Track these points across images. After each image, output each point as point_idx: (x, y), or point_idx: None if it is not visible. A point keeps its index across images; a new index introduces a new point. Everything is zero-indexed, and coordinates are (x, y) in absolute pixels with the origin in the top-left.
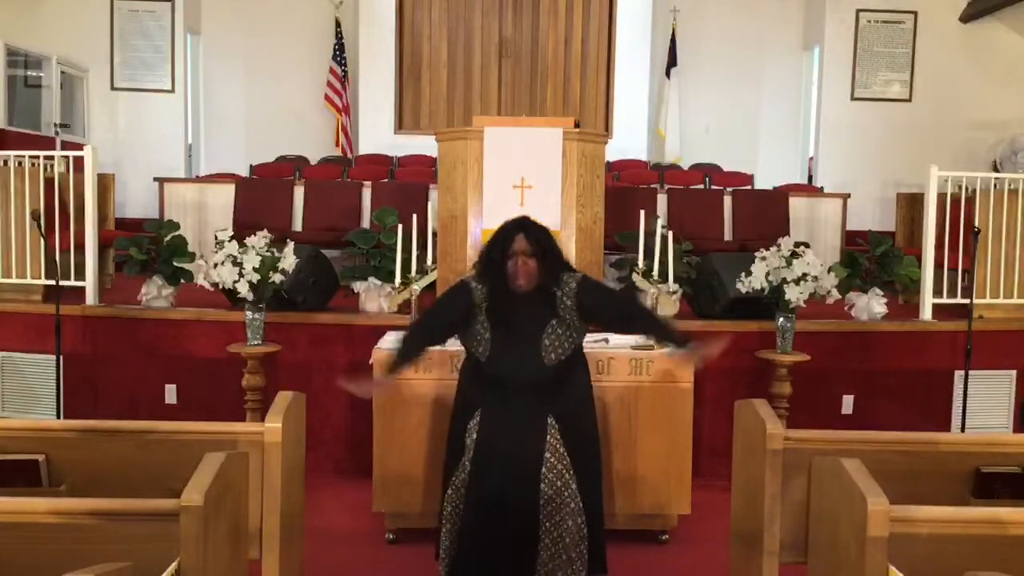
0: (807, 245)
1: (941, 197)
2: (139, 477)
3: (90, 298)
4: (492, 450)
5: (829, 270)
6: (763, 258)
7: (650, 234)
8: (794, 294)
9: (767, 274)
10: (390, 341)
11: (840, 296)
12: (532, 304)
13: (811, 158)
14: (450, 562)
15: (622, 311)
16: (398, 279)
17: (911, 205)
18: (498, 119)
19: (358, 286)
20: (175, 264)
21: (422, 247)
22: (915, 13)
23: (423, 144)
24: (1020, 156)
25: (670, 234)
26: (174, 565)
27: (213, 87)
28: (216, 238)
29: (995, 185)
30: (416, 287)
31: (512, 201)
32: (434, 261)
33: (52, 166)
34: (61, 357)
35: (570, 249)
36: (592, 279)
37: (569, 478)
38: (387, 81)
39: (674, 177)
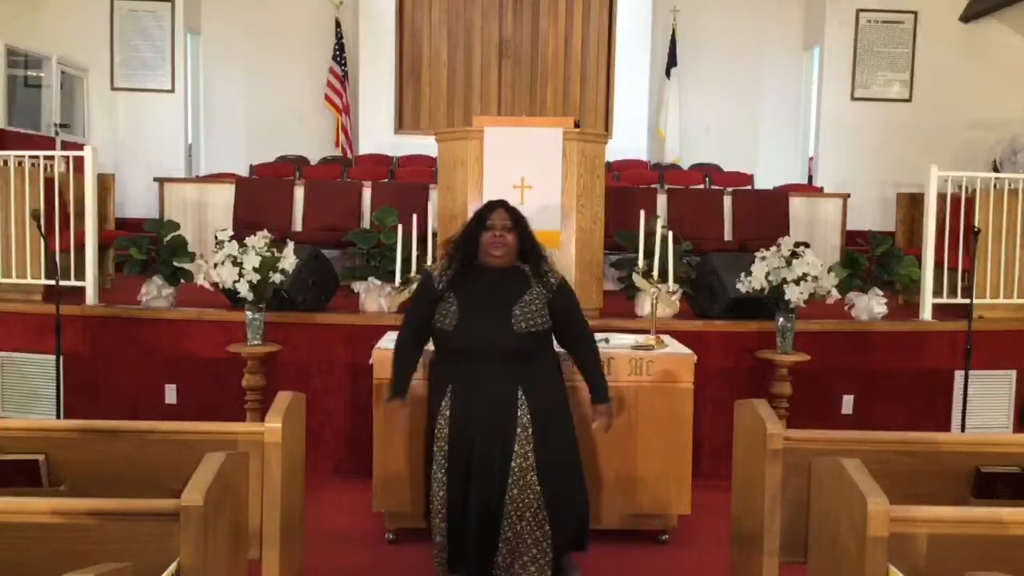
0: (807, 245)
1: (941, 197)
2: (139, 477)
3: (90, 298)
4: (465, 420)
5: (829, 270)
6: (763, 258)
7: (650, 234)
8: (794, 294)
9: (767, 274)
10: (390, 341)
11: (840, 296)
12: (504, 280)
13: (811, 158)
14: (445, 546)
15: (579, 333)
16: (398, 279)
17: (911, 205)
18: (498, 119)
19: (358, 286)
20: (175, 264)
21: (422, 247)
22: (915, 13)
23: (423, 144)
24: (1020, 156)
25: (670, 234)
26: (174, 565)
27: (213, 87)
28: (216, 238)
29: (995, 185)
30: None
31: (512, 201)
32: (434, 261)
33: (52, 166)
34: (61, 357)
35: (570, 249)
36: (569, 287)
37: (531, 472)
38: (387, 81)
39: (674, 177)
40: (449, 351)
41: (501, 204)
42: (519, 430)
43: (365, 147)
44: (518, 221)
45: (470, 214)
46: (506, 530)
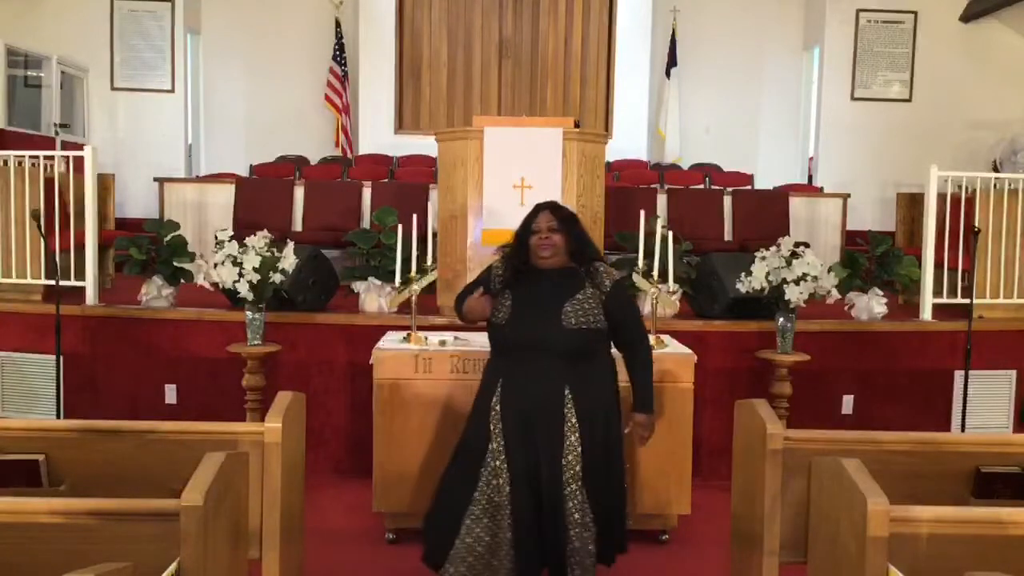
0: (807, 245)
1: (941, 197)
2: (139, 477)
3: (90, 298)
4: (515, 416)
5: (829, 270)
6: (763, 258)
7: (650, 234)
8: (794, 294)
9: (767, 274)
10: (390, 341)
11: (840, 296)
12: (559, 280)
13: (811, 158)
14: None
15: (631, 338)
16: (398, 279)
17: (911, 205)
18: (498, 119)
19: (358, 286)
20: (175, 264)
21: (422, 247)
22: (915, 13)
23: (423, 144)
24: (1020, 156)
25: (670, 234)
26: (174, 565)
27: (213, 87)
28: (216, 238)
29: (995, 185)
30: (416, 287)
31: (512, 201)
32: (434, 261)
33: (52, 166)
34: (61, 357)
35: None
36: (625, 289)
37: (580, 477)
38: (387, 81)
39: (674, 177)
40: (501, 345)
41: (548, 206)
42: (567, 430)
43: (365, 147)
44: (565, 220)
45: (470, 214)
46: (573, 540)
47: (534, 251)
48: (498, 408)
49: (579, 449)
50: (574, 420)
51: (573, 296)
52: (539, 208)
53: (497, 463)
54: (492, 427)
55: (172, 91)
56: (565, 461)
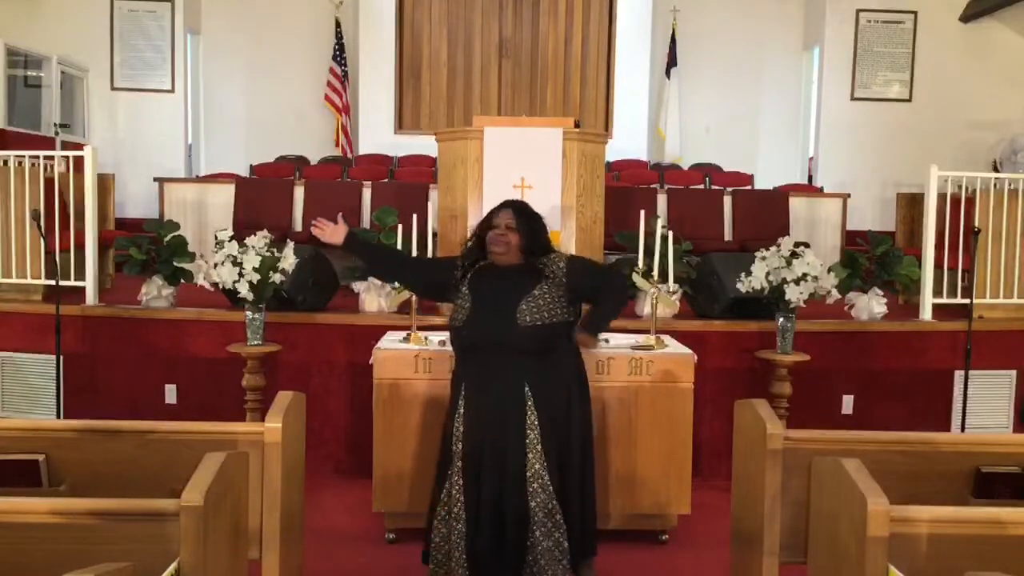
0: (807, 245)
1: (941, 197)
2: (139, 477)
3: (90, 298)
4: (478, 420)
5: (829, 270)
6: (763, 258)
7: (650, 234)
8: (794, 294)
9: (767, 274)
10: (390, 341)
11: (840, 296)
12: (516, 277)
13: (811, 158)
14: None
15: (605, 286)
16: None
17: (911, 205)
18: (498, 119)
19: (358, 286)
20: (175, 264)
21: (422, 247)
22: (915, 13)
23: (423, 144)
24: (1020, 156)
25: (670, 234)
26: (174, 565)
27: (213, 87)
28: (216, 238)
29: (995, 185)
30: None
31: None
32: None
33: (52, 166)
34: (61, 357)
35: (570, 249)
36: (579, 258)
37: (544, 475)
38: (387, 81)
39: (674, 177)
40: (460, 348)
41: (510, 204)
42: (528, 430)
43: (365, 147)
44: (526, 220)
45: (470, 214)
46: (538, 539)
47: (489, 245)
48: (462, 412)
49: (542, 448)
50: (534, 419)
51: (529, 293)
52: (504, 205)
53: (456, 465)
54: (454, 429)
55: (172, 91)
56: (530, 466)
